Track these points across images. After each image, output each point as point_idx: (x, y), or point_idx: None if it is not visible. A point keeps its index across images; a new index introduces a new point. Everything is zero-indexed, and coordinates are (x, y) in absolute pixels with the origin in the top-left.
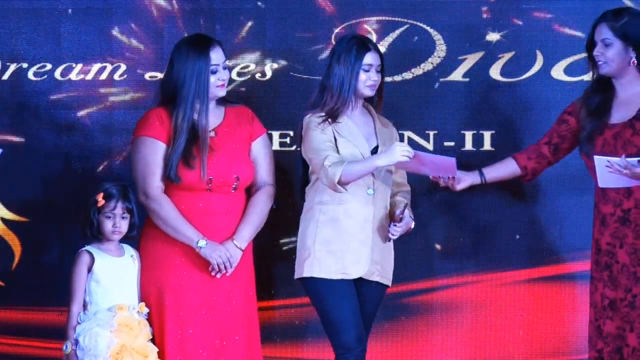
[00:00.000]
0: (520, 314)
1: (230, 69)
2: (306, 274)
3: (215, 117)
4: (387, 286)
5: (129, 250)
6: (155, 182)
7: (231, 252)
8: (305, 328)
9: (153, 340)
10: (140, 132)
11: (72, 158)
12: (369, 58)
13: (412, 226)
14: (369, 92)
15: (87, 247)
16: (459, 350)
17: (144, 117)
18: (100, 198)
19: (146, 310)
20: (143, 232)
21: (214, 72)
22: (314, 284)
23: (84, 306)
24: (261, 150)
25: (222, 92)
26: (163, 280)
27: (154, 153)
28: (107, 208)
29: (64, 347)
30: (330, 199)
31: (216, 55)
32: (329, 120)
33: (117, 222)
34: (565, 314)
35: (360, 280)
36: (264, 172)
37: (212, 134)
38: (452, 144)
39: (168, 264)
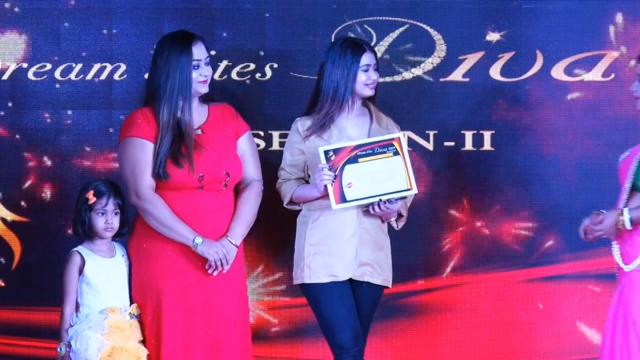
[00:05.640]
0: (520, 314)
1: (229, 68)
2: (299, 281)
3: (199, 115)
4: (383, 287)
5: (119, 249)
6: (146, 182)
7: (227, 249)
8: (305, 328)
9: (143, 342)
10: (128, 132)
11: (72, 158)
12: (366, 58)
13: (394, 216)
14: (369, 92)
15: (78, 248)
16: (458, 351)
17: (129, 118)
18: (90, 195)
19: (138, 311)
20: (132, 231)
21: (196, 68)
22: (308, 289)
23: (76, 307)
24: (247, 147)
25: (204, 89)
26: (159, 280)
27: (143, 153)
28: (99, 205)
29: (59, 349)
30: (318, 202)
31: (198, 51)
32: (320, 129)
33: (109, 219)
34: (565, 314)
35: (353, 282)
36: (252, 168)
37: (199, 131)
38: (452, 144)
39: (162, 263)
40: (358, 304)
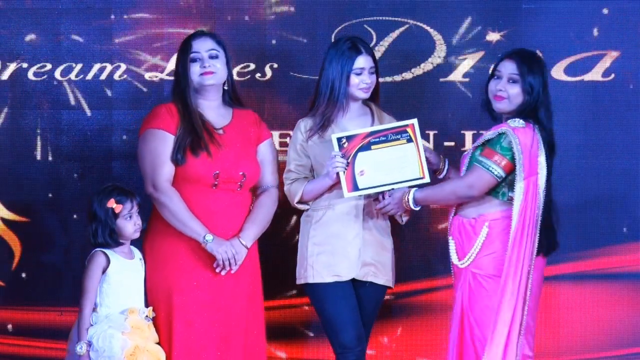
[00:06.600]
0: None
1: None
2: (303, 280)
3: (222, 116)
4: (385, 287)
5: (137, 252)
6: (164, 175)
7: (236, 249)
8: (306, 328)
9: (158, 344)
10: (150, 124)
11: (72, 158)
12: (361, 61)
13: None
14: (362, 95)
15: (102, 249)
16: None
17: (153, 111)
18: (114, 204)
19: (153, 314)
20: (148, 230)
21: (195, 61)
22: (312, 289)
23: (94, 307)
24: (268, 153)
25: (207, 80)
26: (171, 279)
27: (163, 145)
28: (125, 210)
29: (78, 348)
30: (322, 202)
31: (198, 44)
32: (320, 129)
33: (136, 221)
34: (563, 314)
35: (356, 282)
36: (270, 174)
37: (221, 131)
38: (452, 144)
39: (174, 263)
40: (361, 304)
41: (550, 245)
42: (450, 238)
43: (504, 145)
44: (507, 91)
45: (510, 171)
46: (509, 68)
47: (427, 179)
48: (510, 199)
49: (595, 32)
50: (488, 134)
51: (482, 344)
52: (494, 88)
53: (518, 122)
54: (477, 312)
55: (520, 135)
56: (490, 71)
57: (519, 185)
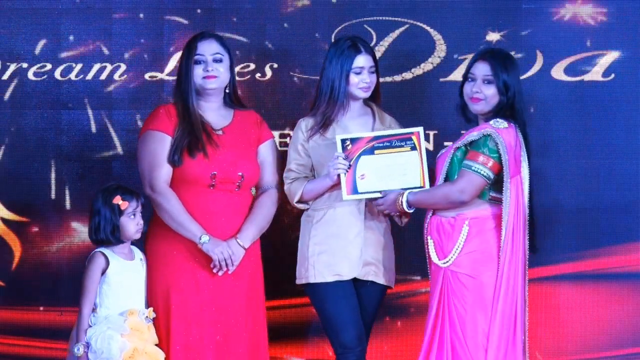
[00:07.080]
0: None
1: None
2: (304, 280)
3: (223, 117)
4: (386, 286)
5: (138, 253)
6: (162, 176)
7: (233, 250)
8: (306, 328)
9: (157, 345)
10: (149, 126)
11: (72, 158)
12: (360, 60)
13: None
14: (362, 94)
15: (101, 249)
16: None
17: (152, 113)
18: (120, 201)
19: (153, 315)
20: (148, 232)
21: (200, 63)
22: (313, 288)
23: (93, 308)
24: (268, 154)
25: (209, 84)
26: (169, 279)
27: (162, 147)
28: (130, 208)
29: (76, 350)
30: (322, 202)
31: (204, 47)
32: (322, 128)
33: (139, 221)
34: (563, 314)
35: (357, 281)
36: (270, 175)
37: (220, 132)
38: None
39: (173, 263)
40: (361, 304)
41: (534, 244)
42: (428, 238)
43: (490, 147)
44: (483, 92)
45: (499, 172)
46: (482, 69)
47: (427, 188)
48: (492, 199)
49: (595, 32)
50: (471, 136)
51: (461, 342)
52: (469, 90)
53: (501, 123)
54: (458, 311)
55: (505, 136)
56: (463, 74)
57: (507, 186)
